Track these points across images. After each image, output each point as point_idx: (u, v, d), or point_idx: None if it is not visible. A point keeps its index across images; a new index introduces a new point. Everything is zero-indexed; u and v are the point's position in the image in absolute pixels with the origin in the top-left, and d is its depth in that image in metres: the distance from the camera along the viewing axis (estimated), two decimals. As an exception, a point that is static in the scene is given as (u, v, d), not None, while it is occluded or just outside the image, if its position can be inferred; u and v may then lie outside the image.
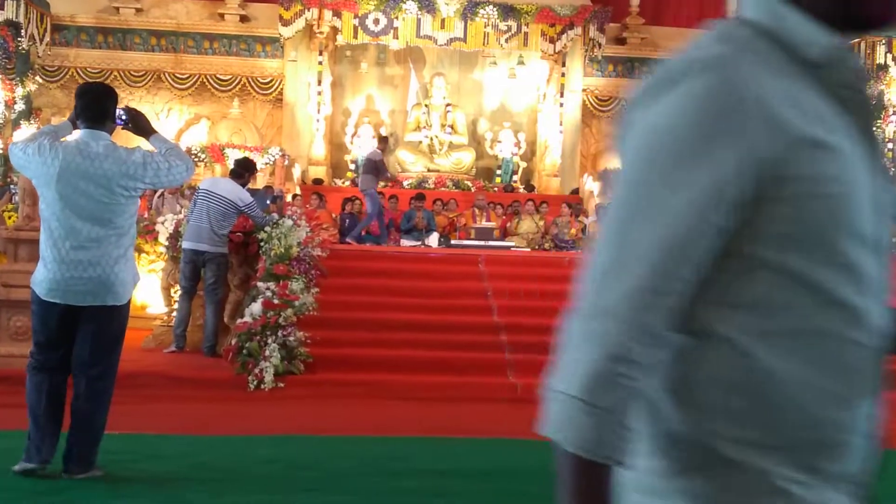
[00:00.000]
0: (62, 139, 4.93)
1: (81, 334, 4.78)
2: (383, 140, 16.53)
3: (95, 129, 4.82)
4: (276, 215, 9.68)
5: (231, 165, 10.29)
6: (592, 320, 1.24)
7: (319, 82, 20.56)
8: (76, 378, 4.82)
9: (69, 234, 4.68)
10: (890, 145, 20.20)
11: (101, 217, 4.71)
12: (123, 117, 4.97)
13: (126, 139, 6.18)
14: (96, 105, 4.87)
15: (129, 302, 4.97)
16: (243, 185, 9.29)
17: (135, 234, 5.04)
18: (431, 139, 21.31)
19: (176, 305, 9.50)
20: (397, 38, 19.87)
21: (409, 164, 19.95)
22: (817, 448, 1.21)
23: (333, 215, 15.56)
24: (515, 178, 21.61)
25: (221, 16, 21.38)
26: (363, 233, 14.50)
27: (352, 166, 21.23)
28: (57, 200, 4.67)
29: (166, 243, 10.09)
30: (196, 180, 13.23)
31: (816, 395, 1.20)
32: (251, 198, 9.23)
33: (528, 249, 14.55)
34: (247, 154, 18.58)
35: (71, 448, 4.76)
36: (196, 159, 18.95)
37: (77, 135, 4.84)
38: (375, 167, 14.84)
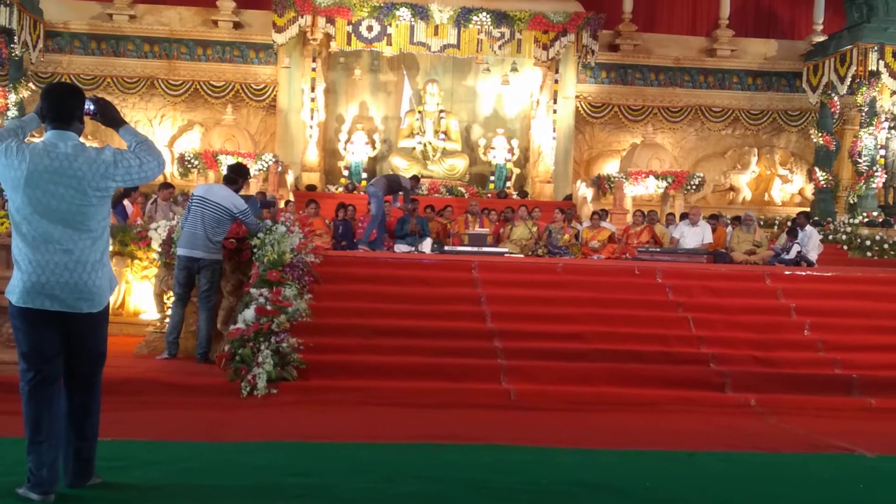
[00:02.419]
0: (29, 135, 4.80)
1: (67, 348, 4.70)
2: (415, 178, 17.01)
3: (62, 130, 4.67)
4: (269, 221, 9.67)
5: (224, 172, 10.26)
6: None
7: (313, 89, 20.60)
8: (68, 391, 4.74)
9: (42, 239, 4.54)
10: (882, 152, 20.26)
11: (73, 220, 4.58)
12: (92, 108, 4.84)
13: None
14: (62, 105, 4.71)
15: (107, 307, 4.86)
16: (237, 191, 9.27)
17: (108, 237, 4.87)
18: (425, 145, 21.36)
19: (169, 312, 9.48)
20: (391, 45, 19.93)
21: (403, 171, 19.95)
22: None
23: (327, 221, 15.56)
24: (509, 184, 21.67)
25: (215, 22, 21.41)
26: (372, 237, 14.51)
27: (345, 172, 21.25)
28: (27, 204, 4.53)
29: (159, 249, 10.07)
30: (189, 187, 13.23)
31: None
32: (245, 204, 9.21)
33: (522, 255, 14.56)
34: (240, 160, 18.61)
35: (68, 461, 4.71)
36: (189, 166, 18.98)
37: (44, 136, 4.68)
38: (400, 187, 15.29)
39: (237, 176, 9.47)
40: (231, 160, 16.70)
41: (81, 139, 4.86)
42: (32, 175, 4.51)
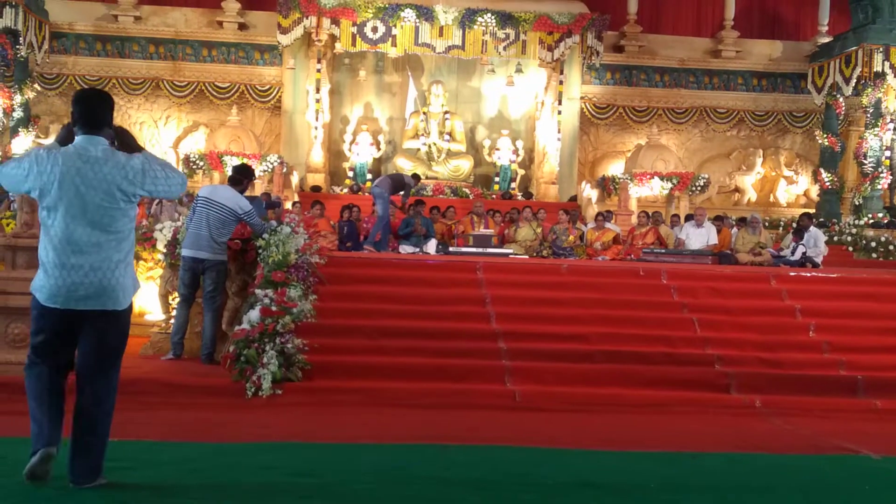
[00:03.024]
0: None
1: (84, 341, 4.79)
2: (416, 177, 16.99)
3: (93, 135, 4.80)
4: (274, 222, 9.67)
5: (229, 173, 10.26)
6: None
7: (318, 90, 20.60)
8: (80, 385, 4.80)
9: (70, 239, 4.68)
10: (888, 153, 20.23)
11: (101, 222, 4.72)
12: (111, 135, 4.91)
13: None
14: (93, 111, 4.85)
15: (130, 307, 4.95)
16: (242, 192, 9.28)
17: (133, 239, 5.02)
18: (430, 146, 21.36)
19: (174, 313, 9.49)
20: (395, 46, 19.93)
21: (407, 171, 19.93)
22: None
23: (332, 222, 15.56)
24: (513, 185, 21.66)
25: (220, 24, 21.44)
26: (377, 237, 14.50)
27: (350, 173, 21.26)
28: (58, 206, 4.68)
29: (164, 250, 10.08)
30: (194, 188, 13.24)
31: None
32: (250, 205, 9.21)
33: (526, 256, 14.55)
34: (245, 161, 18.62)
35: (75, 456, 4.75)
36: (194, 166, 19.00)
37: (75, 141, 4.81)
38: (403, 185, 15.43)
39: (242, 177, 9.47)
40: (236, 161, 16.71)
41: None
42: (65, 177, 4.67)
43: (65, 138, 4.89)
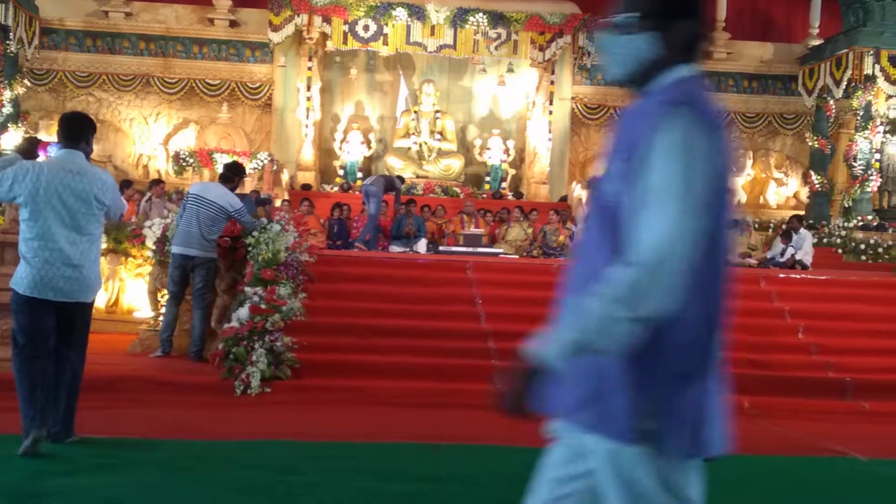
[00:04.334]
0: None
1: (63, 326, 5.56)
2: (400, 179, 16.96)
3: (72, 149, 5.62)
4: (264, 219, 9.64)
5: (220, 170, 10.23)
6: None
7: (308, 88, 20.57)
8: (58, 360, 5.57)
9: (51, 240, 5.40)
10: (878, 156, 20.29)
11: (77, 225, 5.49)
12: None
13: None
14: (72, 128, 5.71)
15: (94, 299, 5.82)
16: (233, 190, 9.26)
17: (100, 241, 5.88)
18: (420, 145, 21.35)
19: (163, 310, 9.46)
20: (387, 45, 19.90)
21: (398, 171, 19.93)
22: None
23: (322, 220, 15.55)
24: (504, 185, 21.65)
25: (211, 20, 21.37)
26: (367, 237, 14.48)
27: (340, 172, 21.23)
28: (40, 211, 5.40)
29: (153, 247, 10.05)
30: (184, 185, 13.21)
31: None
32: (241, 203, 9.20)
33: (517, 256, 14.56)
34: (235, 158, 18.58)
35: (59, 419, 5.56)
36: (184, 164, 18.96)
37: (57, 153, 5.65)
38: (393, 186, 15.47)
39: (233, 174, 9.46)
40: (226, 158, 16.67)
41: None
42: (48, 186, 5.41)
43: (27, 150, 5.78)
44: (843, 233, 19.48)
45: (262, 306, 8.35)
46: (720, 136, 2.17)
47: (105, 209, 5.66)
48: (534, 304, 9.93)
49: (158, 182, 14.69)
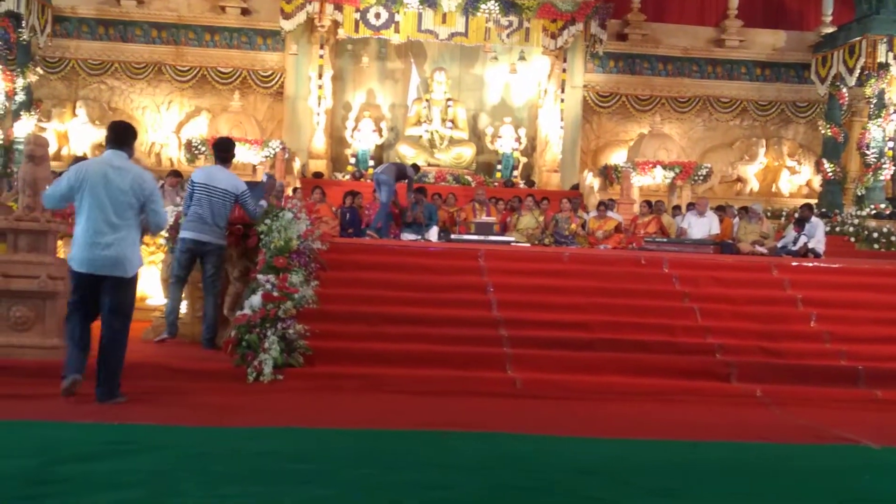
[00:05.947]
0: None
1: (104, 296, 6.61)
2: (415, 167, 16.84)
3: (117, 150, 6.74)
4: (264, 203, 9.40)
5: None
6: None
7: (320, 76, 20.59)
8: (103, 327, 6.66)
9: (96, 225, 6.53)
10: (891, 144, 20.20)
11: (119, 213, 6.57)
12: None
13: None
14: (118, 132, 6.85)
15: (136, 276, 6.80)
16: (229, 166, 9.15)
17: (139, 227, 6.79)
18: (432, 134, 21.35)
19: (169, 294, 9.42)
20: (398, 33, 19.90)
21: (410, 159, 19.92)
22: None
23: (333, 208, 15.56)
24: (516, 173, 21.65)
25: (223, 8, 21.40)
26: (379, 225, 14.46)
27: (352, 160, 21.25)
28: (88, 202, 6.54)
29: (166, 235, 10.05)
30: (187, 172, 13.16)
31: None
32: (245, 185, 9.09)
33: (528, 244, 14.55)
34: (247, 147, 18.59)
35: (100, 378, 6.62)
36: (196, 152, 19.00)
37: (104, 153, 6.79)
38: (405, 175, 15.37)
39: (227, 153, 9.29)
40: (239, 147, 16.65)
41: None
42: (96, 182, 6.56)
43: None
44: (856, 221, 19.42)
45: (275, 294, 8.36)
46: None
47: (142, 202, 6.63)
48: (545, 292, 9.96)
49: (177, 174, 14.64)
